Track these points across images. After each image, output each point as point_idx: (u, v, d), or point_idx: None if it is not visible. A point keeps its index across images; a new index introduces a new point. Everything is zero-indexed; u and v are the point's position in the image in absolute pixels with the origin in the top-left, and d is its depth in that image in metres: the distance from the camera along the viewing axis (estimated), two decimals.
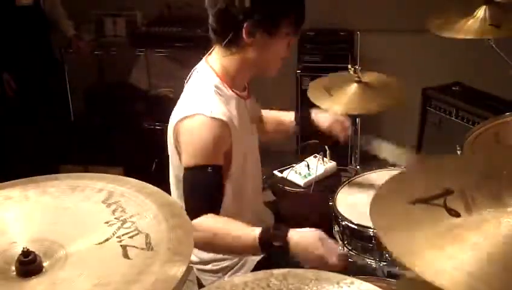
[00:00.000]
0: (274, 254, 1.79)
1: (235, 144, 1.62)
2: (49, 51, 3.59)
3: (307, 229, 1.52)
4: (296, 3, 1.62)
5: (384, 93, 2.17)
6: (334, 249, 1.47)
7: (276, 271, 0.86)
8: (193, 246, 0.98)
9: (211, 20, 1.62)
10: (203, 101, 1.59)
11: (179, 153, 1.64)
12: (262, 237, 1.46)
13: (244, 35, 1.57)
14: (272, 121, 2.02)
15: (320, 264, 1.44)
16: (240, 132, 1.64)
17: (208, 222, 1.50)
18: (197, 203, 1.51)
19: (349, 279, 0.85)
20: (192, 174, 1.56)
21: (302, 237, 1.47)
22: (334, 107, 2.02)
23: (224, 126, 1.56)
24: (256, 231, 1.47)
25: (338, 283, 0.84)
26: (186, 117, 1.58)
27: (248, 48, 1.60)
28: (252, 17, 1.54)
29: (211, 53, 1.71)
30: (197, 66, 1.74)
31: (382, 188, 1.15)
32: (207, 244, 1.52)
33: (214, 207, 1.53)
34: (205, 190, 1.55)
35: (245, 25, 1.55)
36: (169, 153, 1.72)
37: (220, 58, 1.66)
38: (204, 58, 1.72)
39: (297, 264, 1.75)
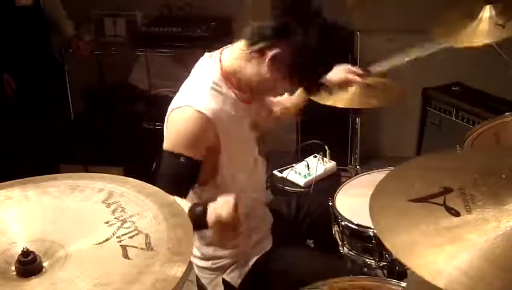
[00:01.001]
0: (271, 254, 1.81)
1: (224, 142, 1.62)
2: (49, 51, 3.59)
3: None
4: (317, 74, 1.64)
5: (384, 92, 2.17)
6: (227, 202, 1.42)
7: None
8: (193, 245, 0.98)
9: (257, 22, 1.61)
10: (195, 94, 1.61)
11: None
12: (191, 206, 1.47)
13: (268, 55, 1.57)
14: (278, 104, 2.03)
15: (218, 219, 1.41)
16: (232, 131, 1.64)
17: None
18: (162, 187, 1.51)
19: None
20: (166, 158, 1.60)
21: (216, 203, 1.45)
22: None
23: (208, 122, 1.57)
24: (188, 204, 1.49)
25: None
26: (176, 108, 1.61)
27: (262, 66, 1.60)
28: (289, 53, 1.55)
29: (231, 45, 1.70)
30: (201, 59, 1.74)
31: (381, 185, 1.15)
32: None
33: (178, 195, 1.51)
34: (173, 178, 1.59)
35: (277, 52, 1.56)
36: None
37: (235, 56, 1.65)
38: (220, 50, 1.71)
39: (291, 264, 1.76)
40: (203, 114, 1.56)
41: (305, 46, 1.54)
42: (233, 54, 1.66)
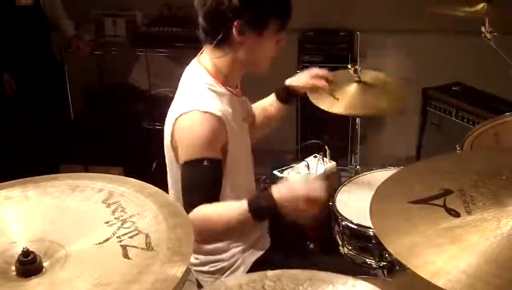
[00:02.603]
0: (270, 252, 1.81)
1: (231, 139, 1.62)
2: (49, 51, 3.59)
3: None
4: (282, 2, 1.64)
5: (385, 92, 2.17)
6: (316, 185, 1.46)
7: (270, 273, 0.86)
8: (194, 243, 0.98)
9: (200, 20, 1.65)
10: (197, 97, 1.61)
11: (174, 151, 1.64)
12: (250, 203, 1.47)
13: (234, 34, 1.58)
14: (258, 112, 2.02)
15: (308, 204, 1.43)
16: (235, 128, 1.65)
17: (199, 211, 1.49)
18: (193, 197, 1.50)
19: (343, 278, 0.85)
20: (188, 168, 1.57)
21: (283, 186, 1.48)
22: (334, 107, 2.02)
23: (219, 121, 1.57)
24: (244, 202, 1.48)
25: (332, 282, 0.84)
26: (181, 114, 1.59)
27: (238, 48, 1.62)
28: (242, 16, 1.56)
29: (201, 53, 1.73)
30: (188, 67, 1.75)
31: (381, 188, 1.15)
32: (208, 231, 1.52)
33: (210, 201, 1.52)
34: (201, 184, 1.55)
35: (235, 24, 1.57)
36: (165, 154, 1.72)
37: (211, 58, 1.67)
38: (195, 59, 1.74)
39: (293, 264, 1.75)
40: (212, 114, 1.56)
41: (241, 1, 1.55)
42: (210, 58, 1.68)
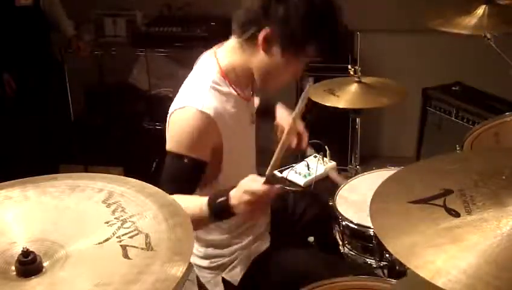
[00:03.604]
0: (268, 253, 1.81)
1: (227, 141, 1.62)
2: (49, 51, 3.59)
3: None
4: (326, 33, 1.57)
5: (385, 92, 2.18)
6: (253, 178, 1.45)
7: None
8: (193, 244, 0.98)
9: (242, 10, 1.59)
10: (196, 94, 1.60)
11: None
12: (209, 198, 1.47)
13: (260, 37, 1.55)
14: None
15: (255, 203, 1.43)
16: (234, 129, 1.64)
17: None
18: (167, 187, 1.50)
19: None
20: (169, 159, 1.59)
21: (238, 186, 1.46)
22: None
23: (211, 122, 1.56)
24: (204, 198, 1.49)
25: None
26: (177, 109, 1.59)
27: (259, 53, 1.59)
28: (276, 26, 1.53)
29: (222, 44, 1.70)
30: (202, 57, 1.73)
31: (381, 188, 1.15)
32: None
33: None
34: (177, 178, 1.57)
35: (266, 31, 1.54)
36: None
37: (229, 52, 1.65)
38: (213, 50, 1.71)
39: (291, 264, 1.76)
40: (205, 113, 1.55)
41: (288, 15, 1.51)
42: (228, 51, 1.66)
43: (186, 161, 1.55)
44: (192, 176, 1.59)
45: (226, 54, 1.66)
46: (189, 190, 1.57)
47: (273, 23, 1.53)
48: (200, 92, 1.60)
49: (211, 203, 1.46)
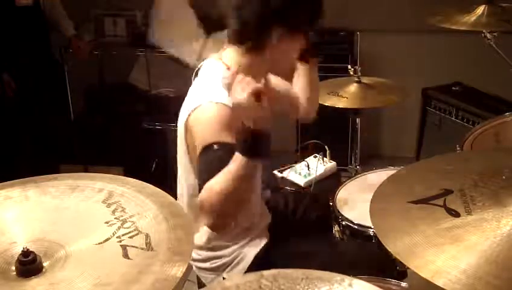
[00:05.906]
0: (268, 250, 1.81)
1: None
2: (49, 51, 3.59)
3: None
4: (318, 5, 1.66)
5: (385, 93, 2.18)
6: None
7: (266, 272, 0.86)
8: (193, 244, 0.98)
9: (235, 16, 1.62)
10: (211, 91, 1.61)
11: (188, 148, 1.64)
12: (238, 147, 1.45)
13: (269, 36, 1.59)
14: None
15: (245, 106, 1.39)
16: None
17: (206, 187, 1.48)
18: (204, 180, 1.49)
19: (339, 276, 0.85)
20: (202, 156, 1.55)
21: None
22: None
23: (228, 111, 1.56)
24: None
25: (329, 281, 0.84)
26: (195, 109, 1.60)
27: (267, 50, 1.63)
28: (281, 21, 1.58)
29: (224, 49, 1.72)
30: (205, 64, 1.75)
31: (381, 188, 1.15)
32: (218, 201, 1.47)
33: None
34: (212, 167, 1.50)
35: (274, 28, 1.58)
36: (178, 154, 1.72)
37: (232, 52, 1.68)
38: (215, 56, 1.73)
39: (293, 262, 1.75)
40: (225, 105, 1.56)
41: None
42: (230, 52, 1.68)
43: (216, 147, 1.52)
44: (225, 161, 1.51)
45: (229, 54, 1.69)
46: None
47: (276, 20, 1.58)
48: (215, 90, 1.61)
49: (241, 149, 1.43)
